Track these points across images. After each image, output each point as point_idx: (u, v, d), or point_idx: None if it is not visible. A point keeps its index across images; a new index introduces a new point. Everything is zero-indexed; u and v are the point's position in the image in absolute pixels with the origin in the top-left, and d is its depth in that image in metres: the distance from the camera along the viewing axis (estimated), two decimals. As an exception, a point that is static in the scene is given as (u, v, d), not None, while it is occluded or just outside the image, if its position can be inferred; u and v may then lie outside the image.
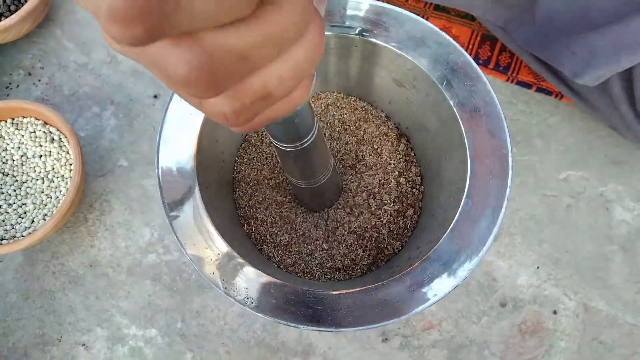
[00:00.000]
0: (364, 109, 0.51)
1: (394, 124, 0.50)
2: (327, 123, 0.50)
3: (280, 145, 0.30)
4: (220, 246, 0.36)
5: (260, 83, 0.16)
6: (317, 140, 0.31)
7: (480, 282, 0.53)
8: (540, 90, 0.59)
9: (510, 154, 0.37)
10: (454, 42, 0.39)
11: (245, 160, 0.49)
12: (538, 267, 0.54)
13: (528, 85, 0.59)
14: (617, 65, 0.44)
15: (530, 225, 0.55)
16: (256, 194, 0.48)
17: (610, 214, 0.55)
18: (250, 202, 0.48)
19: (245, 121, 0.18)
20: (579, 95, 0.53)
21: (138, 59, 0.15)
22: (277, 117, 0.19)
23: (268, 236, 0.47)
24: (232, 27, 0.14)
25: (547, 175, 0.56)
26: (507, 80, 0.59)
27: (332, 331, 0.33)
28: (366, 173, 0.48)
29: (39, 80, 0.59)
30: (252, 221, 0.47)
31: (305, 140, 0.30)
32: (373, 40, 0.40)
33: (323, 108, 0.51)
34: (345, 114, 0.50)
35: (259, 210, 0.48)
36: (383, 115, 0.50)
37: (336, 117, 0.50)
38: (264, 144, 0.50)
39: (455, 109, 0.38)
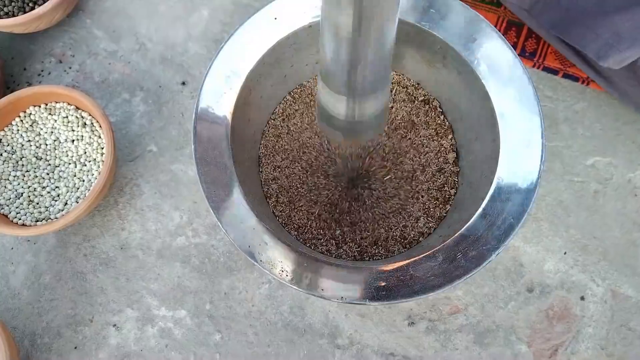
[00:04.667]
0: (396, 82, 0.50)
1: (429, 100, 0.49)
2: None
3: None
4: (253, 222, 0.37)
5: None
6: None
7: (507, 267, 0.53)
8: (566, 76, 0.58)
9: (542, 132, 0.37)
10: (488, 22, 0.39)
11: (270, 139, 0.50)
12: (565, 253, 0.54)
13: (554, 71, 0.59)
14: None
15: (557, 211, 0.55)
16: (282, 172, 0.49)
17: (638, 201, 0.55)
18: (276, 180, 0.48)
19: None
20: (606, 79, 0.53)
21: None
22: None
23: (293, 215, 0.47)
24: None
25: (574, 161, 0.56)
26: (534, 66, 0.59)
27: (366, 304, 0.33)
28: (402, 150, 0.48)
29: (70, 68, 0.61)
30: (277, 198, 0.48)
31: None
32: (403, 19, 0.41)
33: None
34: None
35: (284, 188, 0.48)
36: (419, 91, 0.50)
37: None
38: (289, 123, 0.51)
39: (487, 88, 0.38)
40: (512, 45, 0.59)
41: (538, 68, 0.59)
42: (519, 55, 0.59)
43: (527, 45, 0.59)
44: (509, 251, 0.54)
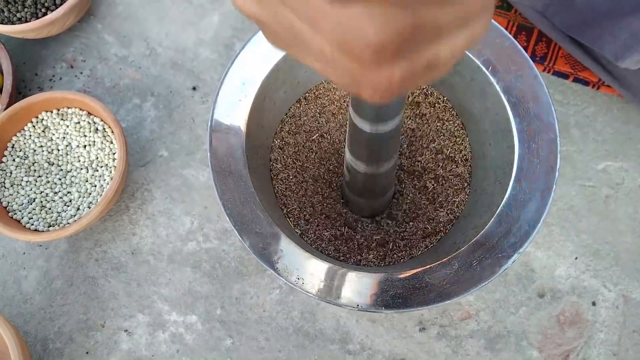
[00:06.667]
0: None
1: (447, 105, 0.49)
2: None
3: (363, 126, 0.29)
4: (268, 229, 0.37)
5: (434, 54, 0.17)
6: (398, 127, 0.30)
7: (518, 272, 0.53)
8: (577, 80, 0.58)
9: (558, 138, 0.37)
10: (500, 26, 0.39)
11: (280, 143, 0.50)
12: (576, 258, 0.54)
13: (565, 76, 0.58)
14: None
15: (568, 216, 0.55)
16: (294, 177, 0.48)
17: (650, 206, 0.55)
18: (288, 185, 0.48)
19: (402, 88, 0.18)
20: (620, 81, 0.53)
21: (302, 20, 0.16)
22: (420, 84, 0.20)
23: (306, 222, 0.47)
24: (441, 5, 0.15)
25: (585, 166, 0.56)
26: (544, 71, 0.59)
27: (381, 312, 0.33)
28: (418, 152, 0.48)
29: (81, 73, 0.61)
30: (289, 207, 0.48)
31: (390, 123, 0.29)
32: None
33: None
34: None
35: (295, 197, 0.48)
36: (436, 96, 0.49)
37: None
38: (299, 129, 0.51)
39: (501, 94, 0.38)
40: (522, 50, 0.60)
41: (548, 72, 0.59)
42: (529, 59, 0.60)
43: (538, 49, 0.59)
44: (520, 256, 0.54)
